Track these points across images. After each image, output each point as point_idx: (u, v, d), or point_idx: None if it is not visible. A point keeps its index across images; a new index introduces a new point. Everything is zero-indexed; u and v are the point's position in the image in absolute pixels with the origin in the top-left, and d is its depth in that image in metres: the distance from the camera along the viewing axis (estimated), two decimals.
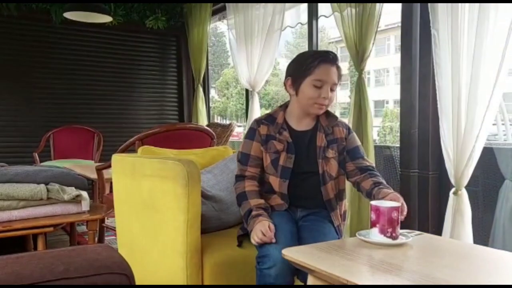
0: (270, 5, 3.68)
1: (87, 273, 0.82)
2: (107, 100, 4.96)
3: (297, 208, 1.74)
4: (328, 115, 1.77)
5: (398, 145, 2.67)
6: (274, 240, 1.51)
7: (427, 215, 2.41)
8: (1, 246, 2.06)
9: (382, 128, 15.72)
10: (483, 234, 2.39)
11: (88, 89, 4.83)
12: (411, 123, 2.47)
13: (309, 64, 1.65)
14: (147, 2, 4.88)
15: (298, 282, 1.58)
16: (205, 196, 1.84)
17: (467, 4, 2.04)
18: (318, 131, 1.74)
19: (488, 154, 2.35)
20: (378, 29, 2.70)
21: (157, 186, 1.77)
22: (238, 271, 1.71)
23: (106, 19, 3.92)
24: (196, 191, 1.67)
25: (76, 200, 2.28)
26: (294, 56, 1.79)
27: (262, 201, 1.67)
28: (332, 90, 1.68)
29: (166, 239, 1.74)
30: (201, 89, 4.97)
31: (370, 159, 2.67)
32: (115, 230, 2.24)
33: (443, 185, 2.36)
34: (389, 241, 1.33)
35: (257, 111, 4.04)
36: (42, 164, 3.82)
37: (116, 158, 2.07)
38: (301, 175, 1.71)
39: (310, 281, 1.25)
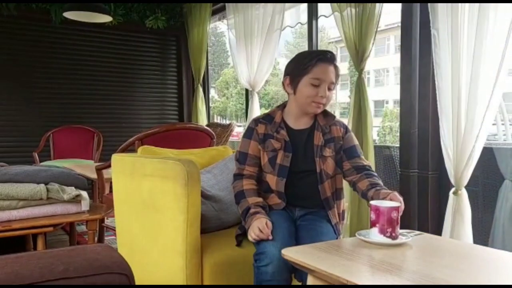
0: (270, 5, 3.68)
1: (87, 273, 0.82)
2: (107, 99, 4.96)
3: (295, 208, 1.74)
4: (326, 114, 1.78)
5: (398, 145, 2.67)
6: (271, 237, 1.52)
7: (427, 215, 2.41)
8: (0, 246, 2.06)
9: (382, 128, 15.72)
10: (482, 234, 2.39)
11: (88, 88, 4.83)
12: (411, 123, 2.47)
13: (307, 63, 1.67)
14: (147, 2, 4.88)
15: (296, 282, 1.58)
16: (204, 196, 1.84)
17: (467, 4, 2.04)
18: (315, 130, 1.75)
19: (488, 154, 2.35)
20: (378, 29, 2.70)
21: (157, 186, 1.77)
22: (238, 271, 1.71)
23: (106, 19, 3.91)
24: (196, 191, 1.67)
25: (76, 200, 2.28)
26: (294, 56, 1.80)
27: (260, 199, 1.67)
28: (329, 89, 1.69)
29: (166, 239, 1.74)
30: (201, 89, 4.97)
31: (370, 159, 2.69)
32: (114, 230, 2.24)
33: (443, 185, 2.36)
34: (389, 241, 1.33)
35: (256, 111, 4.04)
36: (41, 164, 3.82)
37: (116, 158, 2.07)
38: (298, 174, 1.72)
39: (310, 281, 1.25)
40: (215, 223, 1.89)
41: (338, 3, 2.83)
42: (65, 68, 4.69)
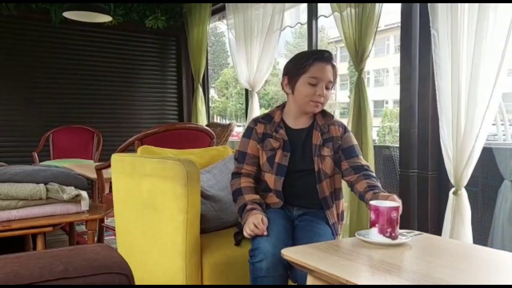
0: (269, 5, 3.68)
1: (86, 273, 0.82)
2: (106, 99, 4.96)
3: (293, 207, 1.75)
4: (325, 114, 1.80)
5: (398, 145, 2.67)
6: (266, 233, 1.53)
7: (426, 215, 2.41)
8: (0, 246, 2.06)
9: (382, 128, 15.74)
10: (482, 234, 2.39)
11: (88, 88, 4.83)
12: (411, 123, 2.47)
13: (304, 63, 1.69)
14: (147, 2, 4.88)
15: (292, 282, 1.58)
16: (204, 196, 1.84)
17: (466, 4, 2.04)
18: (314, 130, 1.76)
19: (487, 154, 2.35)
20: (378, 29, 2.70)
21: (157, 186, 1.77)
22: (237, 270, 1.71)
23: (105, 18, 3.91)
24: (196, 191, 1.67)
25: (76, 199, 2.28)
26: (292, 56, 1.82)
27: (257, 196, 1.69)
28: (327, 88, 1.71)
29: (166, 239, 1.74)
30: (200, 89, 4.97)
31: (370, 159, 2.69)
32: (114, 230, 2.24)
33: (443, 185, 2.36)
34: (389, 241, 1.33)
35: (256, 111, 4.04)
36: (41, 163, 3.81)
37: (115, 158, 2.07)
38: (296, 173, 1.73)
39: (310, 281, 1.25)
40: (214, 223, 1.89)
41: (338, 3, 2.83)
42: (65, 68, 4.69)
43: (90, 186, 3.73)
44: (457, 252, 1.34)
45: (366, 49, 2.72)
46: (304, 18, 3.61)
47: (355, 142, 1.79)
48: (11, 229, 2.09)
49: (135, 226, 1.95)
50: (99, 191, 3.16)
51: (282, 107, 1.82)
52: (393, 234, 1.33)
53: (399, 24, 2.54)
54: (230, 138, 4.16)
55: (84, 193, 2.32)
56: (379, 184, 1.64)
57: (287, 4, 3.64)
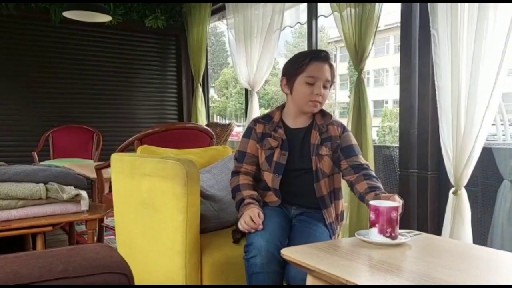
0: (269, 5, 3.68)
1: (86, 272, 0.82)
2: (106, 99, 4.96)
3: (291, 206, 1.76)
4: (324, 114, 1.81)
5: (397, 145, 2.67)
6: (261, 227, 1.54)
7: (426, 215, 2.41)
8: (0, 246, 2.06)
9: (381, 128, 15.73)
10: (481, 234, 2.39)
11: (88, 88, 4.83)
12: (411, 123, 2.47)
13: (301, 62, 1.71)
14: (147, 2, 4.88)
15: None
16: (204, 195, 1.84)
17: (466, 4, 2.04)
18: (313, 129, 1.77)
19: (487, 154, 2.35)
20: (378, 29, 2.70)
21: (156, 186, 1.77)
22: (237, 270, 1.70)
23: (105, 18, 3.91)
24: (195, 191, 1.67)
25: (75, 199, 2.28)
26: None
27: (254, 192, 1.71)
28: (325, 87, 1.73)
29: (165, 238, 1.73)
30: (200, 89, 4.97)
31: (369, 159, 2.69)
32: (114, 230, 2.24)
33: (443, 185, 2.36)
34: (388, 241, 1.33)
35: (256, 111, 4.04)
36: (41, 163, 3.81)
37: (115, 158, 2.07)
38: (294, 172, 1.74)
39: (309, 281, 1.25)
40: (214, 223, 1.89)
41: (338, 3, 2.83)
42: (64, 67, 4.69)
43: (90, 186, 3.73)
44: (457, 252, 1.34)
45: (366, 49, 2.72)
46: (304, 18, 3.61)
47: (354, 141, 1.79)
48: (10, 228, 2.08)
49: (135, 226, 1.95)
50: (98, 191, 3.16)
51: (281, 107, 1.84)
52: (393, 234, 1.33)
53: (399, 24, 2.54)
54: (230, 138, 4.16)
55: (83, 193, 2.32)
56: (380, 185, 1.64)
57: (287, 4, 3.64)
